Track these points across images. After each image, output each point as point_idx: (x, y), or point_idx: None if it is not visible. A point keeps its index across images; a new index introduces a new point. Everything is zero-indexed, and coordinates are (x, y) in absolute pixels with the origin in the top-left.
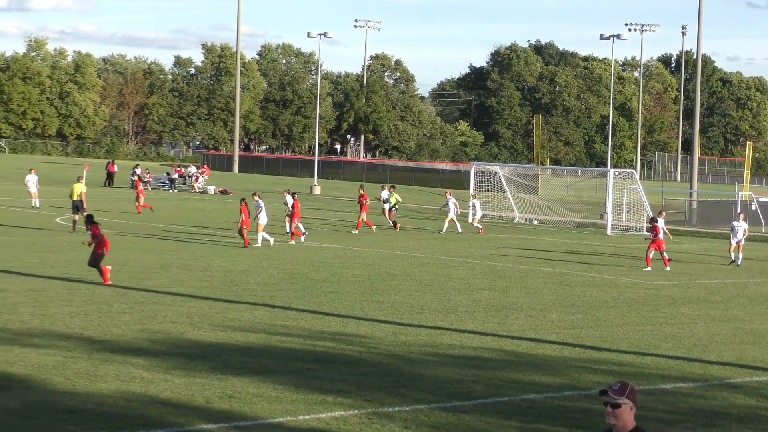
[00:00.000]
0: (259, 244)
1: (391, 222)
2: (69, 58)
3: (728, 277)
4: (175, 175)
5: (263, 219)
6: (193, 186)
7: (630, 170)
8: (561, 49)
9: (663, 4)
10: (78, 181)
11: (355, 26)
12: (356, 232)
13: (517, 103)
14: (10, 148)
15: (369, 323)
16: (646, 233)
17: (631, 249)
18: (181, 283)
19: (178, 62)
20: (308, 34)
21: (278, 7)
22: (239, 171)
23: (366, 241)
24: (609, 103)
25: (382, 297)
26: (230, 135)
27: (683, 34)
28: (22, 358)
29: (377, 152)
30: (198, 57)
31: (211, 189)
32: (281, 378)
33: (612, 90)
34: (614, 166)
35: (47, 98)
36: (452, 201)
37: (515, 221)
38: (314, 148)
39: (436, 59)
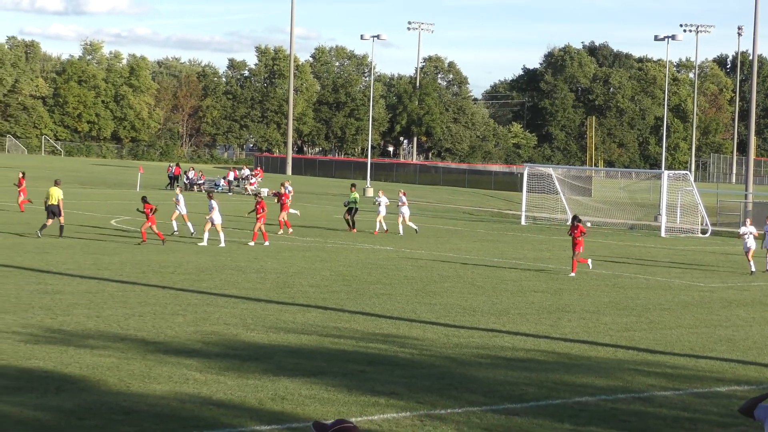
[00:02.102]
0: (221, 242)
1: (351, 221)
2: (124, 61)
3: None
4: (231, 177)
5: (217, 218)
6: (246, 188)
7: (684, 172)
8: (615, 50)
9: (718, 4)
10: (55, 185)
11: (408, 28)
12: (281, 232)
13: (571, 105)
14: (65, 151)
15: (421, 325)
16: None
17: (686, 251)
18: (234, 285)
19: (232, 65)
20: (361, 37)
21: (332, 10)
22: (292, 173)
23: (418, 243)
24: (663, 105)
25: (435, 299)
26: (283, 137)
27: (739, 34)
28: (77, 359)
29: (430, 154)
30: (252, 60)
31: (265, 191)
32: (333, 380)
33: (666, 91)
34: (668, 167)
35: (102, 101)
36: (383, 199)
37: (568, 223)
38: (367, 150)
39: (489, 61)
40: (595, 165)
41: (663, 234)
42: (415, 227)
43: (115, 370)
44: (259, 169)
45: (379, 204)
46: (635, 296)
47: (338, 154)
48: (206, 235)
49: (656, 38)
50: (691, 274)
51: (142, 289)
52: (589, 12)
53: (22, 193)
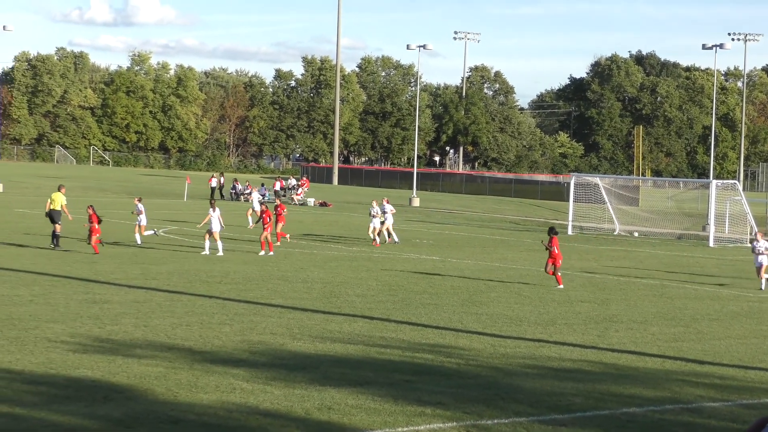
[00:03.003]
0: (219, 252)
1: (387, 233)
2: (171, 72)
3: None
4: (278, 187)
5: (215, 227)
6: (293, 198)
7: (733, 181)
8: (662, 59)
9: (767, 12)
10: (59, 190)
11: (455, 38)
12: (289, 238)
13: (618, 114)
14: (114, 161)
15: (468, 335)
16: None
17: (735, 261)
18: (281, 295)
19: (279, 75)
20: (407, 47)
21: (378, 20)
22: (338, 183)
23: (464, 252)
24: (711, 114)
25: (481, 309)
26: (330, 147)
27: None
28: (124, 368)
29: (476, 164)
30: (298, 70)
31: (311, 201)
32: (380, 389)
33: (714, 100)
34: (717, 177)
35: (150, 111)
36: (375, 210)
37: (615, 233)
38: (413, 159)
39: (536, 70)
40: (643, 174)
41: (711, 244)
42: (396, 238)
43: (162, 380)
44: (305, 179)
45: (376, 215)
46: (683, 306)
47: (384, 164)
48: (220, 245)
49: (704, 47)
50: (740, 284)
51: (189, 298)
52: (637, 21)
53: None
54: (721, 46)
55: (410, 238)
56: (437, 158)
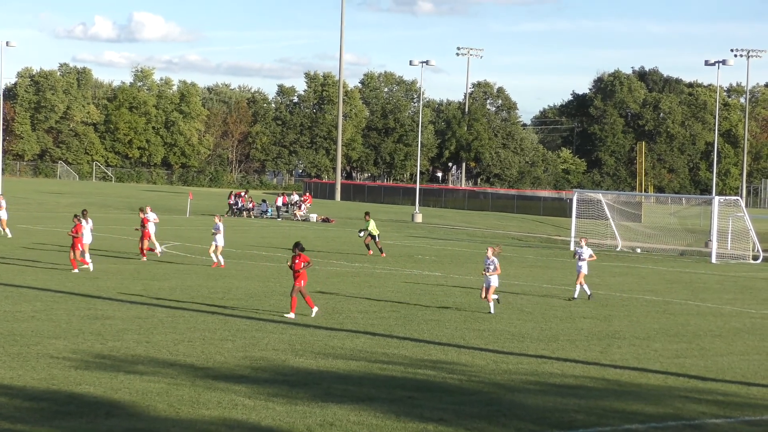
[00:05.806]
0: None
1: (378, 247)
2: (174, 88)
3: None
4: (280, 202)
5: (87, 238)
6: (295, 214)
7: (736, 197)
8: (665, 75)
9: None
10: None
11: (458, 54)
12: (144, 259)
13: (621, 130)
14: (116, 177)
15: (470, 351)
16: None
17: (737, 277)
18: (283, 311)
19: (282, 91)
20: (410, 62)
21: (381, 36)
22: (341, 199)
23: (467, 269)
24: (714, 130)
25: (483, 325)
26: (332, 163)
27: None
28: (126, 384)
29: (479, 180)
30: (301, 86)
31: (313, 217)
32: (382, 406)
33: (717, 116)
34: (719, 193)
35: (153, 127)
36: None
37: (618, 249)
38: (416, 175)
39: (539, 86)
40: (645, 191)
41: (714, 260)
42: (222, 261)
43: (164, 396)
44: (308, 194)
45: (217, 231)
46: (686, 323)
47: (387, 180)
48: (87, 256)
49: (707, 63)
50: (743, 301)
51: (192, 314)
52: (639, 37)
53: None
54: (723, 62)
55: (413, 254)
56: (440, 174)
